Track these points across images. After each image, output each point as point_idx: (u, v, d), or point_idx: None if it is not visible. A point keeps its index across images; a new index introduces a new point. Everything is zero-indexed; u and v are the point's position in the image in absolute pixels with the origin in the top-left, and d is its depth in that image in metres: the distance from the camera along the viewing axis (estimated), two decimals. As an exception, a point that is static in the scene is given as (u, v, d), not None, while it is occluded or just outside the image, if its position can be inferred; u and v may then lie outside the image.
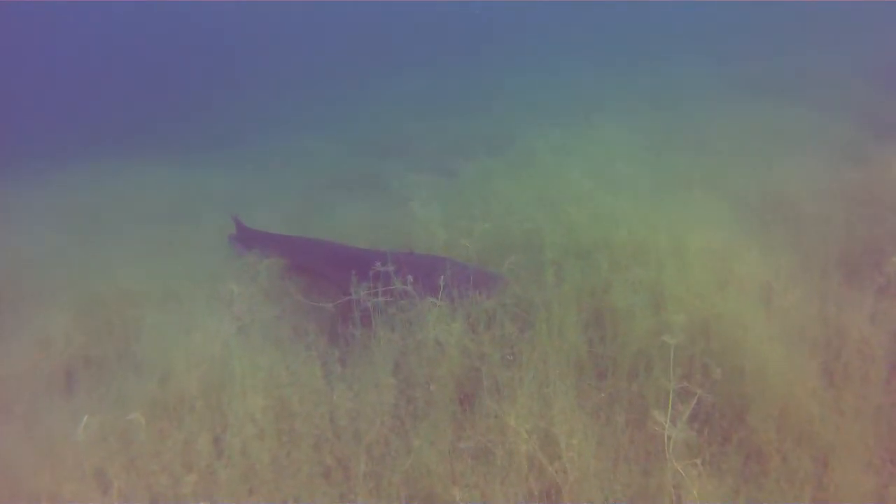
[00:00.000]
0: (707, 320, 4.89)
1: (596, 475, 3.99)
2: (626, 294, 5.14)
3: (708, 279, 5.32)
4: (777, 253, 5.84)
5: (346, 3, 42.45)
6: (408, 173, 8.95)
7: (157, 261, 7.51)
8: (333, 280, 6.65)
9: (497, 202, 7.60)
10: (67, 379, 5.57)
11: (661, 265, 5.50)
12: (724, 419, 4.42)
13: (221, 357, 5.00)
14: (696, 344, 4.71)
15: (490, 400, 4.51)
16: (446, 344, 5.01)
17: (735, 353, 4.55)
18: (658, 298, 5.17)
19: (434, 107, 16.08)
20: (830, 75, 13.43)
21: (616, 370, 4.81)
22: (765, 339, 4.55)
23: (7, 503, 4.12)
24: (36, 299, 6.46)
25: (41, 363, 5.59)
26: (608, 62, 19.03)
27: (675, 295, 5.12)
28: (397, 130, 14.21)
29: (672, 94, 14.02)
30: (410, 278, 5.46)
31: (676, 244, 5.86)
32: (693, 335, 4.78)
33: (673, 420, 3.89)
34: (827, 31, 17.58)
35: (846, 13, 18.48)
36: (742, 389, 4.39)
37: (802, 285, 5.34)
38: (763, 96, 12.72)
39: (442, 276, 5.41)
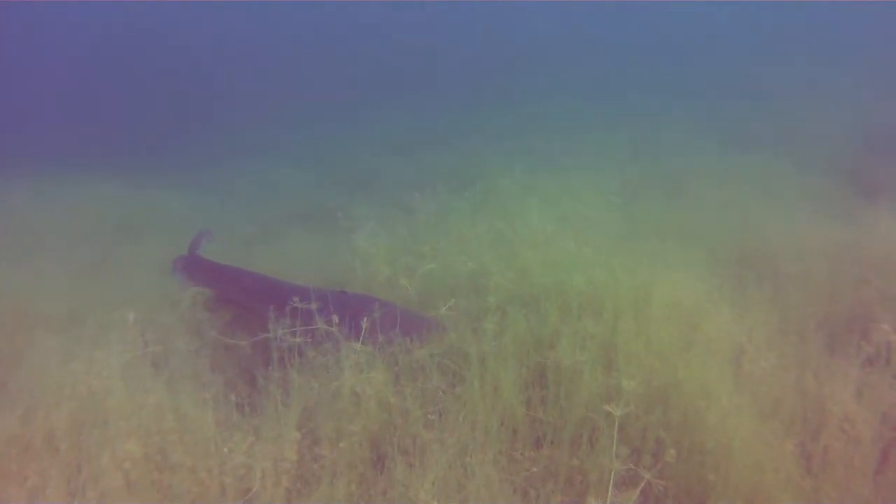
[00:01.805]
0: (666, 386, 4.16)
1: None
2: (574, 350, 4.41)
3: (671, 337, 4.60)
4: (752, 313, 5.15)
5: (328, 35, 42.56)
6: (358, 206, 8.26)
7: (78, 282, 6.77)
8: (257, 315, 5.92)
9: (449, 241, 6.91)
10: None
11: (617, 318, 4.79)
12: (678, 509, 3.68)
13: (102, 392, 4.21)
14: (652, 413, 3.97)
15: (402, 466, 3.75)
16: (364, 395, 4.27)
17: (696, 427, 3.81)
18: (611, 357, 4.46)
19: (407, 142, 15.57)
20: (815, 131, 12.97)
21: (555, 439, 4.05)
22: (732, 411, 3.82)
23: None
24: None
25: None
26: (589, 101, 18.66)
27: (631, 353, 4.40)
28: (366, 164, 13.67)
29: (651, 140, 13.52)
30: (336, 318, 4.73)
31: (638, 295, 5.17)
32: (649, 403, 4.06)
33: (613, 509, 3.14)
34: (813, 88, 17.28)
35: (832, 74, 18.24)
36: (701, 473, 3.63)
37: (778, 350, 4.65)
38: (745, 148, 12.22)
39: (367, 319, 4.70)
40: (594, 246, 6.19)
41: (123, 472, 3.77)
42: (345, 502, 3.78)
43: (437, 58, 35.09)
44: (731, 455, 3.55)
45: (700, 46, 28.96)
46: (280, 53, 39.09)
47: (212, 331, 5.64)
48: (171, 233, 8.45)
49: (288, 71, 33.85)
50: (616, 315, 4.86)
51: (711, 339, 4.74)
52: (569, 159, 10.62)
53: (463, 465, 3.72)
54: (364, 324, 4.65)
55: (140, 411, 4.03)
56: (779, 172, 10.38)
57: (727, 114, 15.78)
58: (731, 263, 6.57)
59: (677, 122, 14.98)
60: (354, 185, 12.47)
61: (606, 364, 4.41)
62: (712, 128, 14.49)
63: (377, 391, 4.30)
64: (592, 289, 5.29)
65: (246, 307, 6.23)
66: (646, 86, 20.27)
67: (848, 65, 19.30)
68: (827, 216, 8.08)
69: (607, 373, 4.30)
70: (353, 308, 5.14)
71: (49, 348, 4.62)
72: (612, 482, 3.27)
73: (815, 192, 9.43)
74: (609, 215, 7.56)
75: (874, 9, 29.26)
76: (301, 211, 11.03)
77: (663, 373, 4.25)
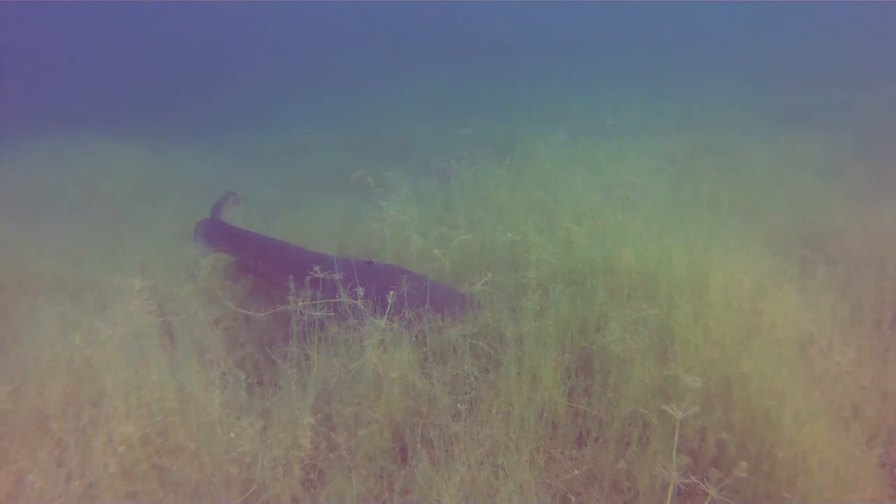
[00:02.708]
0: (728, 380, 3.67)
1: None
2: (624, 335, 3.93)
3: (732, 324, 4.09)
4: (820, 298, 4.61)
5: (364, 3, 41.73)
6: (389, 172, 7.79)
7: (90, 245, 6.44)
8: (278, 285, 5.54)
9: (486, 211, 6.42)
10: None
11: (672, 301, 4.29)
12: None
13: (101, 366, 3.86)
14: (712, 412, 3.48)
15: (426, 461, 3.33)
16: (387, 378, 3.85)
17: (765, 432, 3.32)
18: (666, 344, 3.96)
19: (444, 109, 15.03)
20: (877, 106, 12.15)
21: (601, 437, 3.59)
22: (806, 415, 3.32)
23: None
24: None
25: None
26: (636, 76, 17.86)
27: (688, 342, 3.90)
28: (400, 129, 13.19)
29: (703, 115, 12.79)
30: (361, 291, 4.31)
31: (694, 275, 4.66)
32: (707, 399, 3.57)
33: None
34: (871, 61, 16.33)
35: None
36: (772, 489, 3.14)
37: (853, 343, 4.12)
38: (803, 125, 11.45)
39: (394, 292, 4.27)
40: (645, 218, 5.66)
41: (119, 456, 3.42)
42: (360, 501, 3.38)
43: (478, 30, 34.27)
44: (808, 470, 3.05)
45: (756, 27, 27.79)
46: (315, 19, 38.56)
47: (229, 301, 5.24)
48: (194, 195, 8.09)
49: (322, 36, 33.40)
50: (670, 297, 4.37)
51: (777, 326, 4.22)
52: (615, 123, 9.98)
53: (494, 464, 3.28)
54: (390, 298, 4.21)
55: (140, 389, 3.66)
56: (838, 149, 9.66)
57: (783, 91, 14.94)
58: (793, 243, 6.01)
59: (727, 96, 14.21)
60: (387, 151, 12.06)
61: (660, 352, 3.93)
62: (765, 104, 13.72)
63: (402, 374, 3.87)
64: (644, 266, 4.79)
65: (267, 276, 5.85)
66: (698, 61, 19.46)
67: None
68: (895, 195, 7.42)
69: (661, 363, 3.81)
70: (380, 280, 4.72)
71: (50, 315, 4.27)
72: (670, 497, 2.80)
73: (879, 170, 8.72)
74: (660, 186, 6.98)
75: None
76: (330, 176, 10.65)
77: (724, 365, 3.75)
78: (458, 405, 3.68)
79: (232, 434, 3.59)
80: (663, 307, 4.25)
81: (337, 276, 4.39)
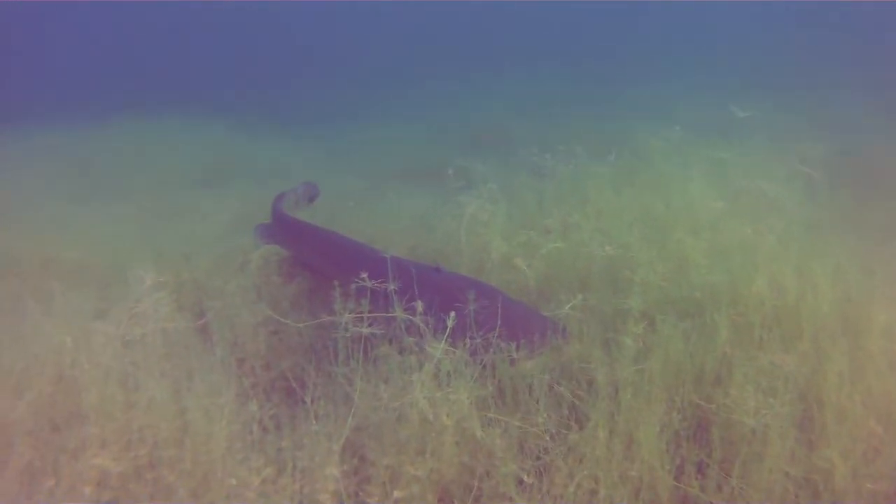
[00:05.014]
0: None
1: None
2: (755, 393, 2.93)
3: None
4: None
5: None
6: (475, 164, 6.94)
7: (136, 230, 5.92)
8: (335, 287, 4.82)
9: (584, 215, 5.47)
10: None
11: (820, 350, 3.26)
12: None
13: (89, 378, 3.20)
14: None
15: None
16: (438, 423, 3.01)
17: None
18: (814, 414, 2.95)
19: (540, 102, 14.06)
20: None
21: (719, 539, 2.63)
22: None
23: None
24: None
25: None
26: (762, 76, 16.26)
27: (843, 411, 2.87)
28: (492, 121, 12.34)
29: (839, 120, 11.27)
30: (420, 305, 3.48)
31: (849, 315, 3.59)
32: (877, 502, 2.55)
33: None
34: None
35: None
36: None
37: None
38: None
39: (461, 309, 3.43)
40: (779, 235, 4.58)
41: (91, 489, 2.74)
42: None
43: (582, 28, 32.96)
44: None
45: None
46: (413, 11, 38.24)
47: (265, 305, 4.54)
48: (264, 183, 7.50)
49: (418, 27, 33.02)
50: (817, 343, 3.33)
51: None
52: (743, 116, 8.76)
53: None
54: (451, 320, 3.35)
55: (129, 409, 2.97)
56: None
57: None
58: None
59: (861, 96, 12.55)
60: (479, 145, 11.24)
61: (804, 421, 2.92)
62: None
63: (458, 419, 3.03)
64: (780, 298, 3.74)
65: (325, 277, 5.13)
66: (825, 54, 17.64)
67: None
68: None
69: (806, 442, 2.80)
70: (446, 293, 3.88)
71: (55, 308, 3.66)
72: None
73: None
74: (796, 196, 5.81)
75: None
76: (415, 168, 10.02)
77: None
78: (525, 474, 2.80)
79: (234, 481, 2.85)
80: (808, 357, 3.22)
81: (391, 286, 3.59)
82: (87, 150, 9.61)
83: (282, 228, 5.80)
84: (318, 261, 5.19)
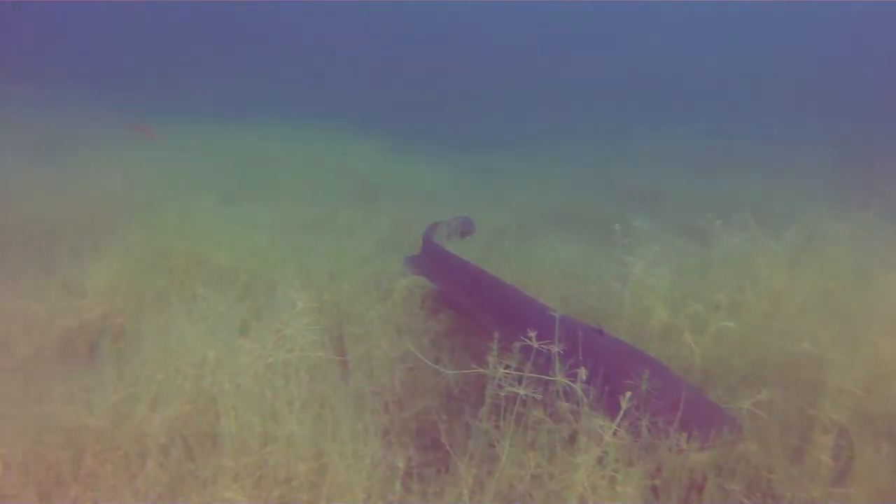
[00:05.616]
0: None
1: None
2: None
3: None
4: None
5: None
6: (638, 220, 6.59)
7: (289, 241, 5.99)
8: (483, 332, 4.60)
9: (756, 294, 5.04)
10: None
11: None
12: None
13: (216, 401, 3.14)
14: None
15: None
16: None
17: None
18: None
19: (706, 164, 13.48)
20: None
21: None
22: None
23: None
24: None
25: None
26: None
27: None
28: (653, 176, 11.90)
29: None
30: (583, 372, 3.24)
31: None
32: None
33: None
34: None
35: None
36: None
37: None
38: None
39: (630, 386, 3.14)
40: None
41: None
42: None
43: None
44: None
45: None
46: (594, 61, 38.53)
47: (409, 342, 4.39)
48: (415, 205, 7.43)
49: (592, 81, 33.09)
50: None
51: None
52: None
53: None
54: (626, 401, 3.05)
55: (265, 445, 2.87)
56: None
57: None
58: None
59: None
60: (634, 197, 10.84)
61: None
62: None
63: (621, 512, 2.75)
64: None
65: (471, 318, 4.93)
66: None
67: None
68: None
69: None
70: (611, 363, 3.60)
71: (198, 310, 3.67)
72: None
73: None
74: None
75: None
76: (568, 212, 9.71)
77: None
78: None
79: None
80: None
81: (556, 348, 3.37)
82: (240, 150, 10.00)
83: (431, 261, 5.65)
84: (469, 301, 4.99)
